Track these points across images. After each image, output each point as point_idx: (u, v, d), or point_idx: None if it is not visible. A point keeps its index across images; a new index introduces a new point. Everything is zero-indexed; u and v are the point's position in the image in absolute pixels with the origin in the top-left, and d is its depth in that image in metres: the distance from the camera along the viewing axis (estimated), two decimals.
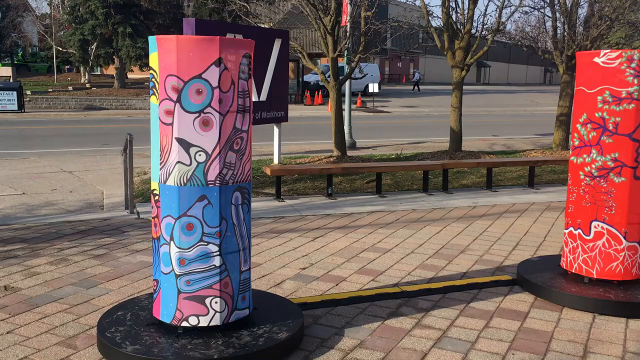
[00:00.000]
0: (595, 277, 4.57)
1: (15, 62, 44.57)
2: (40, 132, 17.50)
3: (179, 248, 3.49)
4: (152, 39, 3.44)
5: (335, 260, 5.45)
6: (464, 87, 13.13)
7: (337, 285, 4.81)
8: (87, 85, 34.07)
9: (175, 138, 3.40)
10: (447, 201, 8.24)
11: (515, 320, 4.18)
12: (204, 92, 3.36)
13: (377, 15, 11.81)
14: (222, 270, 3.55)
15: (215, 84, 3.37)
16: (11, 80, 29.65)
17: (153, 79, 3.49)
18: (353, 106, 25.76)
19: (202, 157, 3.41)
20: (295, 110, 23.89)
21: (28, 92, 27.72)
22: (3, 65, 38.91)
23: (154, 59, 3.45)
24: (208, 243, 3.50)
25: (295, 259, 5.48)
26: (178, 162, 3.41)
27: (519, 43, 15.66)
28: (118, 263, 5.28)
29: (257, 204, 7.74)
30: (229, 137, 3.46)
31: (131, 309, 3.95)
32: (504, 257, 5.66)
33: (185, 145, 3.40)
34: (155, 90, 3.48)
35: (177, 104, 3.37)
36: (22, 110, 24.20)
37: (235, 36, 8.06)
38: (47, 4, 45.67)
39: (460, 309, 4.34)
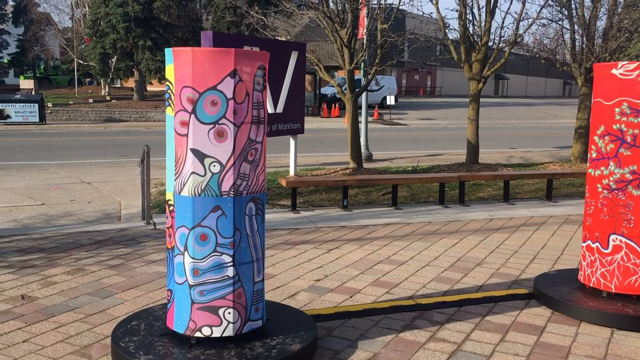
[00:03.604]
0: (613, 291, 4.50)
1: (37, 75, 45.38)
2: (61, 144, 17.75)
3: (193, 258, 3.50)
4: (168, 51, 3.48)
5: (349, 272, 5.43)
6: (482, 99, 13.09)
7: (351, 297, 4.79)
8: (107, 98, 34.55)
9: (190, 149, 3.42)
10: (463, 214, 8.19)
11: (532, 334, 4.12)
12: (219, 104, 3.39)
13: (393, 28, 11.82)
14: (236, 280, 3.55)
15: (230, 95, 3.39)
16: (33, 93, 30.17)
17: (169, 91, 3.53)
18: (370, 118, 25.79)
19: (216, 168, 3.43)
20: (311, 123, 23.96)
21: (49, 105, 28.18)
22: (25, 78, 39.61)
23: (170, 71, 3.49)
24: (222, 253, 3.51)
25: (309, 271, 5.47)
26: (192, 172, 3.44)
27: (537, 55, 15.56)
28: (133, 273, 5.32)
29: (272, 216, 7.75)
30: (244, 148, 3.48)
31: (145, 319, 3.97)
32: (521, 270, 5.60)
33: (199, 156, 3.42)
34: (171, 102, 3.52)
35: (192, 115, 3.40)
36: (43, 122, 24.60)
37: (252, 48, 8.12)
38: (69, 18, 46.53)
39: (476, 323, 4.30)
